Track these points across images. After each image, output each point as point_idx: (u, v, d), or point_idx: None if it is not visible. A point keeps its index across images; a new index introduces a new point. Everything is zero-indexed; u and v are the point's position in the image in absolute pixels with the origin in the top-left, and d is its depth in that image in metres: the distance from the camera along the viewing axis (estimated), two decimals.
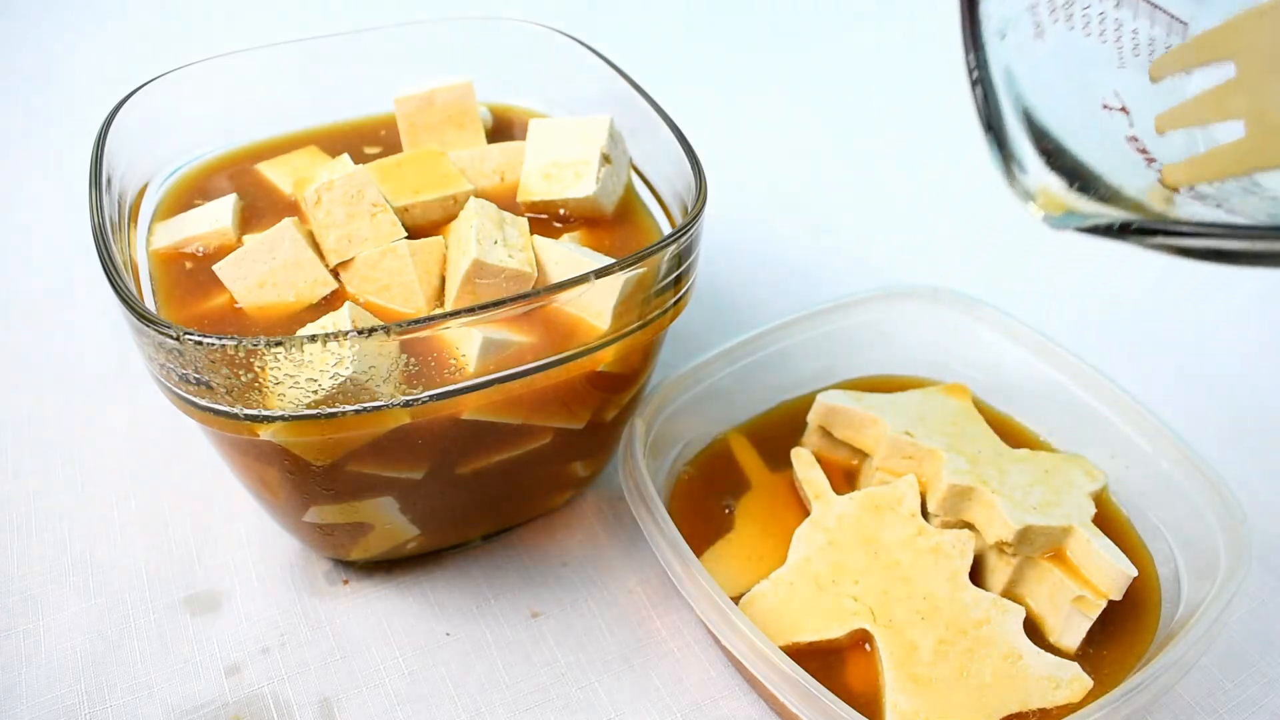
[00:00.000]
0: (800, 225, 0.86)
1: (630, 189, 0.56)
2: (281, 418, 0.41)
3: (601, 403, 0.51)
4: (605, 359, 0.46)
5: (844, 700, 0.42)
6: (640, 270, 0.44)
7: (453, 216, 0.51)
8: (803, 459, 0.56)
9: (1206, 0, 0.35)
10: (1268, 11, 0.33)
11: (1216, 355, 0.73)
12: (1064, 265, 0.82)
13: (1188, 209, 0.33)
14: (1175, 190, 0.35)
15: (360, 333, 0.39)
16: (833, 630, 0.48)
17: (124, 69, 0.96)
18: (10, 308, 0.72)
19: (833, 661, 0.48)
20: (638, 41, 1.12)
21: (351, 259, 0.48)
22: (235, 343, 0.39)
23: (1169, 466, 0.54)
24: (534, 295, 0.42)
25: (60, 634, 0.51)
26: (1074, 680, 0.47)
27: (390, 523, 0.50)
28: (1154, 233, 0.30)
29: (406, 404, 0.42)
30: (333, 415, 0.41)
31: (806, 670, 0.43)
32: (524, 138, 0.54)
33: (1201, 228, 0.29)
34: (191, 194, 0.55)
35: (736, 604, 0.47)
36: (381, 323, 0.43)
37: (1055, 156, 0.33)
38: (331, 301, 0.47)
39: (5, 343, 0.69)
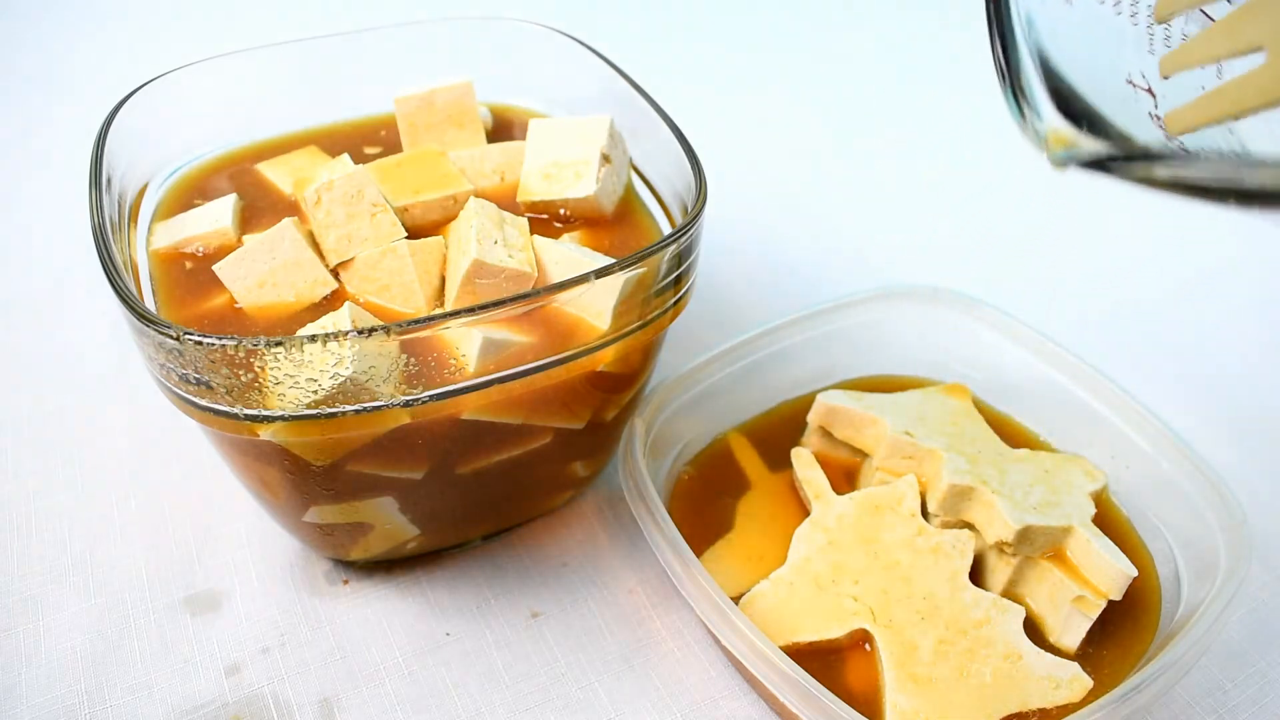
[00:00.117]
0: (800, 225, 0.86)
1: (630, 189, 0.56)
2: (281, 418, 0.41)
3: (601, 403, 0.51)
4: (605, 359, 0.46)
5: (844, 700, 0.42)
6: (640, 270, 0.44)
7: (453, 216, 0.51)
8: (803, 459, 0.56)
9: None
10: None
11: (1216, 355, 0.73)
12: (1064, 265, 0.82)
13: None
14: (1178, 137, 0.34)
15: (360, 333, 0.39)
16: (833, 630, 0.48)
17: (124, 69, 0.96)
18: (10, 308, 0.72)
19: (833, 661, 0.48)
20: (638, 41, 1.12)
21: (351, 259, 0.48)
22: (235, 343, 0.39)
23: (1169, 466, 0.54)
24: (534, 295, 0.42)
25: (60, 634, 0.51)
26: (1074, 680, 0.47)
27: (390, 523, 0.50)
28: (1154, 159, 0.29)
29: (406, 404, 0.42)
30: (333, 415, 0.41)
31: (806, 670, 0.43)
32: (524, 138, 0.54)
33: (1201, 158, 0.28)
34: (191, 194, 0.55)
35: (736, 604, 0.47)
36: (381, 323, 0.43)
37: (1068, 101, 0.33)
38: (331, 301, 0.47)
39: (5, 343, 0.69)
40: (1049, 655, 0.47)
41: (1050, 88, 0.33)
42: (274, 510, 0.51)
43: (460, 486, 0.50)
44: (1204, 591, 0.48)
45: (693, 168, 0.50)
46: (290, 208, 0.53)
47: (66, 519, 0.57)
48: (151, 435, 0.62)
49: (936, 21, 1.23)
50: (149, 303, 0.47)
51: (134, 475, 0.60)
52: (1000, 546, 0.50)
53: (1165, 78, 0.35)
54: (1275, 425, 0.68)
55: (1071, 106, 0.33)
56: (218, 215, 0.51)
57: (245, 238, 0.50)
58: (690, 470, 0.57)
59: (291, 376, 0.39)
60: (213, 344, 0.39)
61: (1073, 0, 0.35)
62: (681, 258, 0.47)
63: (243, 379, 0.40)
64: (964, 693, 0.46)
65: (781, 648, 0.44)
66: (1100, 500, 0.53)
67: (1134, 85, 0.35)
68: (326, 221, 0.48)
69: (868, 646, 0.48)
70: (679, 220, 0.52)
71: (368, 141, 0.60)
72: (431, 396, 0.42)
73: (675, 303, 0.48)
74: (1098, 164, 0.30)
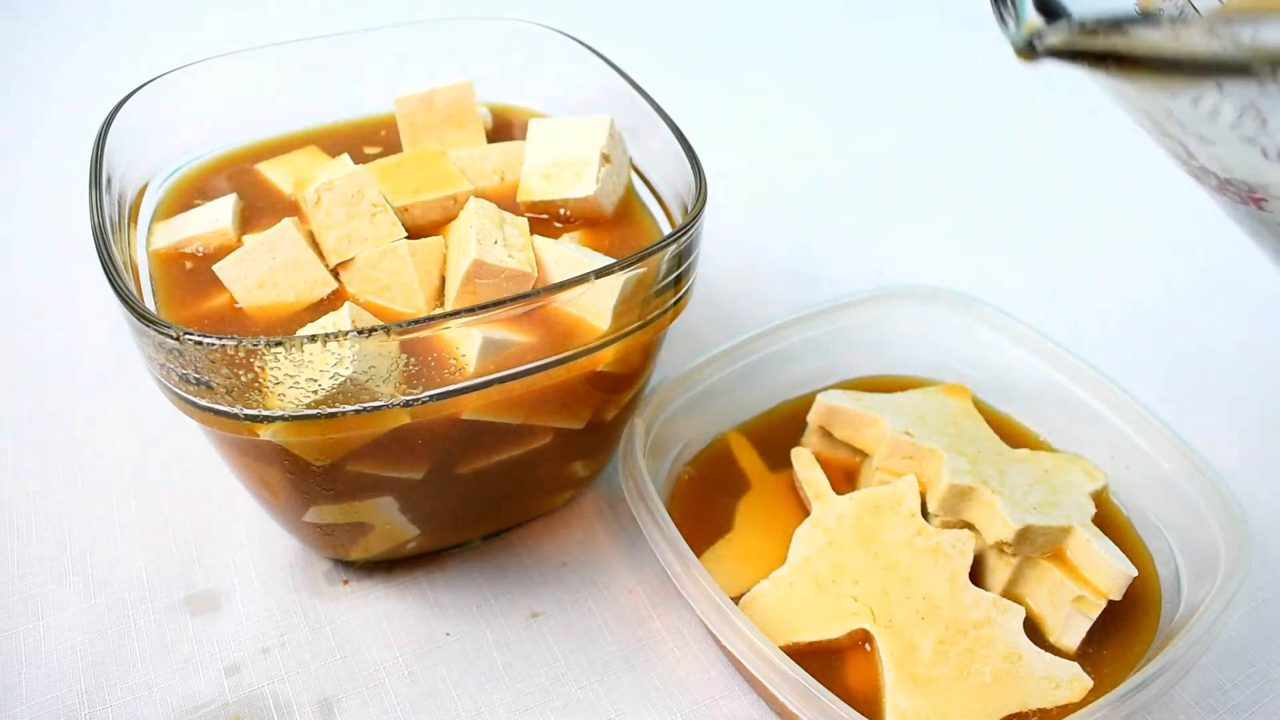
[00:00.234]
0: (800, 225, 0.86)
1: (630, 189, 0.56)
2: (281, 418, 0.41)
3: (601, 403, 0.51)
4: (605, 359, 0.46)
5: (844, 700, 0.42)
6: (640, 270, 0.44)
7: (453, 216, 0.51)
8: (803, 459, 0.56)
9: None
10: None
11: (1217, 355, 0.73)
12: (1064, 265, 0.82)
13: None
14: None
15: (360, 333, 0.39)
16: (833, 630, 0.48)
17: (124, 69, 0.96)
18: (10, 308, 0.72)
19: (833, 661, 0.48)
20: (638, 41, 1.12)
21: (351, 259, 0.48)
22: (235, 343, 0.39)
23: (1169, 466, 0.54)
24: (534, 295, 0.42)
25: (60, 634, 0.51)
26: (1074, 680, 0.47)
27: (390, 523, 0.50)
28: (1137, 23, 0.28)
29: (406, 404, 0.42)
30: (333, 415, 0.41)
31: (806, 670, 0.43)
32: (524, 138, 0.54)
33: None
34: (191, 194, 0.55)
35: (736, 604, 0.47)
36: (381, 323, 0.43)
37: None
38: (331, 301, 0.47)
39: (5, 343, 0.69)
40: (1049, 655, 0.47)
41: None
42: (274, 510, 0.51)
43: (460, 486, 0.50)
44: (1204, 591, 0.48)
45: (693, 168, 0.50)
46: (290, 208, 0.53)
47: (66, 519, 0.57)
48: (151, 435, 0.62)
49: (936, 22, 1.23)
50: (149, 303, 0.47)
51: (134, 475, 0.60)
52: (1000, 546, 0.50)
53: None
54: (1275, 425, 0.68)
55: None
56: (218, 215, 0.51)
57: (245, 238, 0.50)
58: (690, 470, 0.57)
59: (291, 376, 0.39)
60: (213, 344, 0.39)
61: None
62: (681, 258, 0.47)
63: (243, 379, 0.40)
64: (964, 693, 0.46)
65: (781, 648, 0.44)
66: (1100, 500, 0.53)
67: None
68: (326, 221, 0.48)
69: (868, 646, 0.48)
70: (679, 220, 0.52)
71: (368, 141, 0.60)
72: (431, 396, 0.42)
73: (675, 303, 0.48)
74: (1069, 53, 0.29)
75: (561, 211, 0.53)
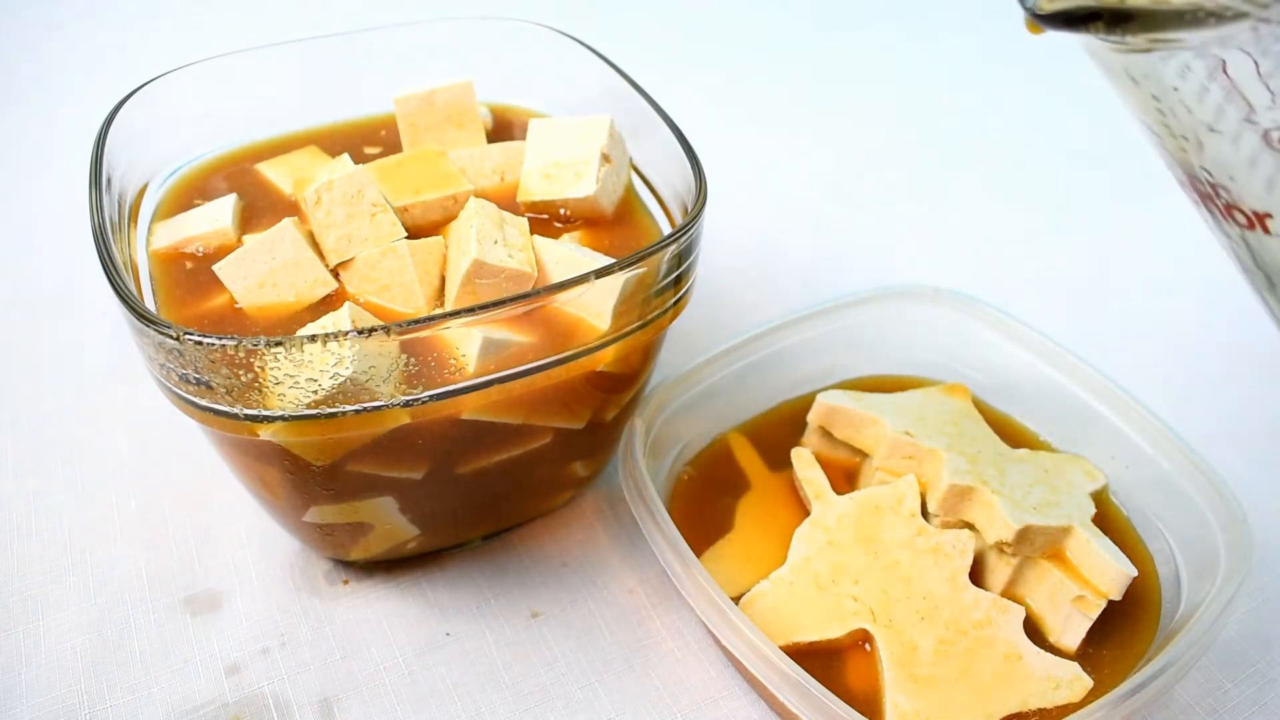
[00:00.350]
0: (800, 225, 0.86)
1: (630, 189, 0.56)
2: (281, 418, 0.41)
3: (601, 403, 0.51)
4: (605, 359, 0.46)
5: (844, 700, 0.42)
6: (640, 270, 0.44)
7: (453, 216, 0.51)
8: (803, 459, 0.56)
9: None
10: None
11: (1217, 355, 0.73)
12: (1064, 265, 0.82)
13: None
14: None
15: (360, 333, 0.39)
16: (833, 630, 0.48)
17: (124, 69, 0.96)
18: (10, 308, 0.72)
19: (833, 661, 0.48)
20: (638, 41, 1.12)
21: (351, 259, 0.48)
22: (235, 343, 0.39)
23: (1169, 466, 0.54)
24: (534, 295, 0.42)
25: (60, 634, 0.51)
26: (1074, 680, 0.47)
27: (390, 523, 0.50)
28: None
29: (406, 404, 0.42)
30: (333, 415, 0.41)
31: (806, 670, 0.43)
32: (524, 138, 0.54)
33: None
34: (191, 194, 0.55)
35: (736, 604, 0.47)
36: (381, 323, 0.43)
37: None
38: (331, 301, 0.47)
39: (5, 343, 0.69)
40: (1049, 655, 0.47)
41: None
42: (274, 510, 0.51)
43: (460, 486, 0.50)
44: (1204, 591, 0.48)
45: (693, 168, 0.50)
46: (290, 208, 0.53)
47: (66, 519, 0.57)
48: (151, 435, 0.62)
49: (936, 22, 1.23)
50: (149, 303, 0.47)
51: (134, 475, 0.60)
52: (1000, 546, 0.50)
53: None
54: (1275, 425, 0.68)
55: None
56: (218, 215, 0.51)
57: (245, 238, 0.50)
58: (690, 470, 0.57)
59: (291, 376, 0.39)
60: (213, 344, 0.39)
61: None
62: (681, 258, 0.47)
63: (243, 379, 0.40)
64: (964, 693, 0.46)
65: (781, 648, 0.44)
66: (1100, 500, 0.53)
67: None
68: (326, 221, 0.48)
69: (868, 646, 0.48)
70: (679, 220, 0.52)
71: (368, 141, 0.60)
72: (431, 396, 0.42)
73: (675, 303, 0.48)
74: (1079, 18, 0.30)
75: (561, 211, 0.53)
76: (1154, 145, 0.40)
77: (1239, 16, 0.28)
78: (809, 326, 0.61)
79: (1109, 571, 0.48)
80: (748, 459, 0.58)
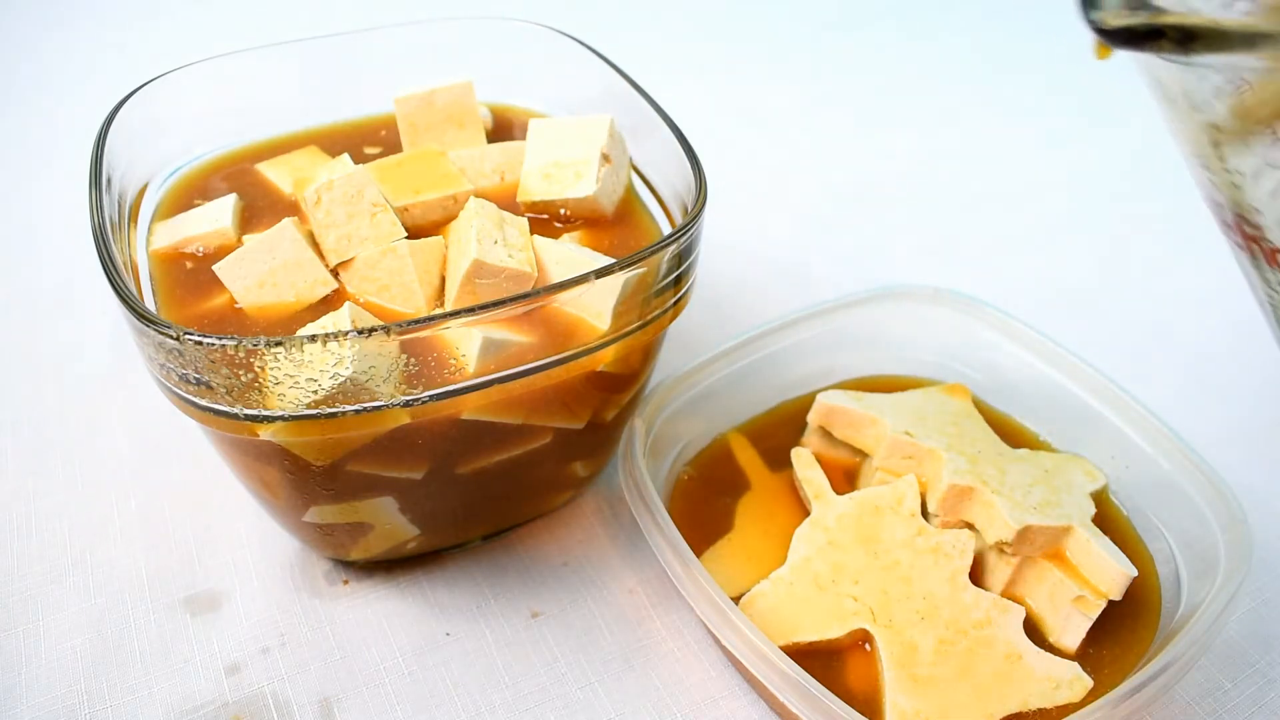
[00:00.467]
0: (801, 225, 0.86)
1: (630, 189, 0.56)
2: (281, 418, 0.41)
3: (601, 403, 0.51)
4: (605, 359, 0.46)
5: (844, 700, 0.42)
6: (640, 270, 0.44)
7: (453, 216, 0.51)
8: (803, 459, 0.56)
9: None
10: None
11: (1217, 355, 0.73)
12: (1064, 265, 0.82)
13: None
14: None
15: (360, 333, 0.39)
16: (833, 630, 0.48)
17: (124, 69, 0.96)
18: (10, 308, 0.72)
19: (833, 661, 0.48)
20: (638, 41, 1.12)
21: (351, 259, 0.48)
22: (235, 343, 0.39)
23: (1169, 466, 0.54)
24: (534, 295, 0.42)
25: (60, 634, 0.51)
26: (1074, 680, 0.47)
27: (390, 523, 0.50)
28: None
29: (406, 404, 0.42)
30: (333, 415, 0.41)
31: (806, 670, 0.43)
32: (524, 138, 0.54)
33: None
34: (191, 194, 0.55)
35: (736, 604, 0.47)
36: (381, 323, 0.43)
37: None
38: (331, 301, 0.47)
39: (5, 343, 0.69)
40: (1049, 655, 0.47)
41: None
42: (274, 510, 0.51)
43: (460, 486, 0.50)
44: (1204, 591, 0.48)
45: (693, 168, 0.50)
46: (290, 208, 0.53)
47: (66, 519, 0.57)
48: (151, 435, 0.62)
49: (937, 23, 1.23)
50: (149, 303, 0.47)
51: (134, 475, 0.60)
52: (1000, 546, 0.50)
53: None
54: (1275, 425, 0.68)
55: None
56: (218, 215, 0.51)
57: (245, 238, 0.50)
58: (690, 470, 0.57)
59: (291, 376, 0.39)
60: (213, 344, 0.39)
61: None
62: (681, 258, 0.47)
63: (243, 379, 0.40)
64: (964, 693, 0.46)
65: (781, 648, 0.44)
66: (1100, 500, 0.53)
67: None
68: (326, 221, 0.48)
69: (868, 646, 0.48)
70: (679, 220, 0.52)
71: (368, 141, 0.60)
72: (431, 396, 0.42)
73: (675, 303, 0.48)
74: (1147, 34, 0.30)
75: (561, 211, 0.53)
76: (1204, 183, 0.40)
77: None
78: (809, 326, 0.61)
79: (1109, 571, 0.48)
80: (748, 459, 0.58)
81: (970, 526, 0.52)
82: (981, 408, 0.59)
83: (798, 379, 0.61)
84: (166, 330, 0.39)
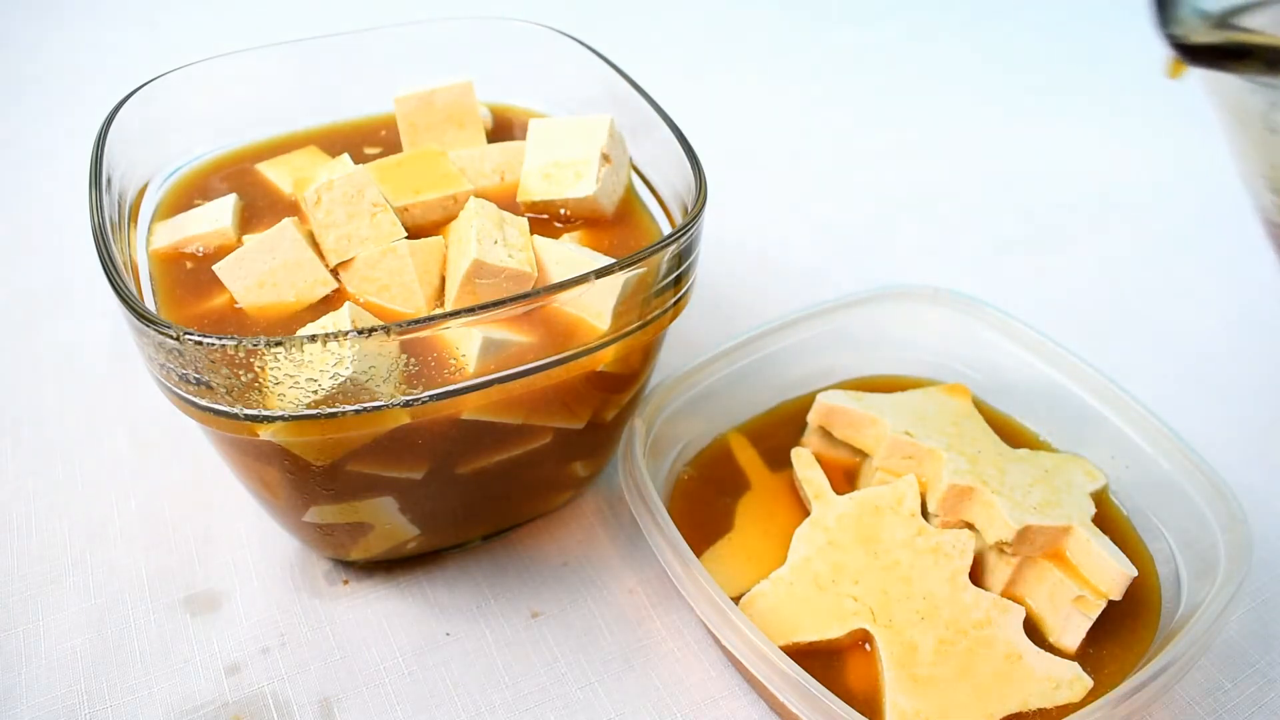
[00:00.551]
0: (800, 225, 0.86)
1: (630, 189, 0.56)
2: (281, 418, 0.41)
3: (601, 403, 0.51)
4: (605, 359, 0.46)
5: (844, 700, 0.42)
6: (640, 270, 0.44)
7: (453, 216, 0.51)
8: (803, 459, 0.56)
9: None
10: None
11: (1217, 355, 0.73)
12: (1064, 265, 0.82)
13: None
14: None
15: (360, 333, 0.39)
16: (833, 630, 0.48)
17: (124, 69, 0.96)
18: (10, 308, 0.72)
19: (833, 661, 0.48)
20: (638, 41, 1.12)
21: (351, 259, 0.48)
22: (235, 343, 0.39)
23: (1169, 466, 0.54)
24: (534, 295, 0.42)
25: (60, 634, 0.51)
26: (1074, 680, 0.47)
27: (390, 523, 0.50)
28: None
29: (406, 404, 0.42)
30: (333, 415, 0.41)
31: (806, 670, 0.43)
32: (524, 138, 0.54)
33: None
34: (191, 194, 0.55)
35: (736, 604, 0.47)
36: (381, 323, 0.43)
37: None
38: (331, 301, 0.47)
39: (5, 343, 0.69)
40: (1049, 655, 0.47)
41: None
42: (274, 510, 0.51)
43: (460, 486, 0.50)
44: (1204, 591, 0.48)
45: (693, 168, 0.50)
46: (290, 208, 0.53)
47: (66, 519, 0.57)
48: (151, 435, 0.62)
49: (937, 22, 1.23)
50: (149, 303, 0.47)
51: (134, 475, 0.60)
52: (1000, 546, 0.50)
53: None
54: (1275, 425, 0.68)
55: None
56: (218, 215, 0.51)
57: (245, 238, 0.50)
58: (690, 470, 0.57)
59: (291, 376, 0.39)
60: (213, 344, 0.39)
61: None
62: (681, 258, 0.47)
63: (243, 379, 0.40)
64: (964, 693, 0.46)
65: (781, 648, 0.44)
66: (1100, 500, 0.53)
67: None
68: (326, 221, 0.48)
69: (868, 646, 0.48)
70: (679, 220, 0.52)
71: (368, 141, 0.60)
72: (431, 396, 0.42)
73: (675, 303, 0.48)
74: (1233, 53, 0.30)
75: (561, 211, 0.53)
76: (1266, 206, 0.39)
77: None
78: (809, 326, 0.61)
79: (1109, 571, 0.48)
80: (748, 459, 0.58)
81: (970, 526, 0.52)
82: (981, 408, 0.59)
83: (798, 379, 0.61)
84: (166, 330, 0.39)
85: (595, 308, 0.45)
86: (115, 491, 0.59)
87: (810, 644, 0.48)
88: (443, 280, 0.48)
